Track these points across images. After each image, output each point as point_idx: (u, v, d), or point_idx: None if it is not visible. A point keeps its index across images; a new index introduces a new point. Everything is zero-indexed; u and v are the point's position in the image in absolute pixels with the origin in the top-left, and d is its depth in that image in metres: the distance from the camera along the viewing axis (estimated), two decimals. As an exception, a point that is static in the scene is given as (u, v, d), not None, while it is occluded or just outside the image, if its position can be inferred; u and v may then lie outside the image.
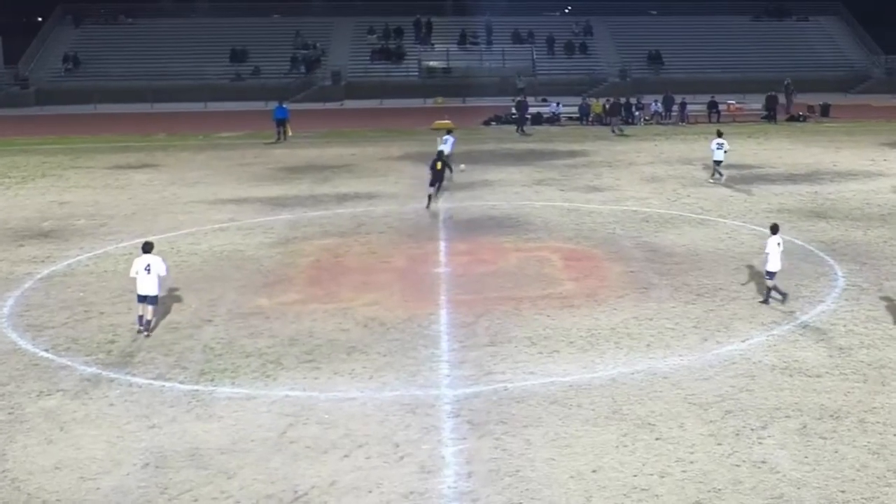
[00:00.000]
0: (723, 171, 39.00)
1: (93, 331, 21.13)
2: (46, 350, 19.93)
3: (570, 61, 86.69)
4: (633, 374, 18.16)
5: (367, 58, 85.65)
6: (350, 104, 76.76)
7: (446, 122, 60.14)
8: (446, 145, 39.18)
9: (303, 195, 37.39)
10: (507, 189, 38.26)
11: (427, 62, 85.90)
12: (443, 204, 35.06)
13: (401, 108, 73.85)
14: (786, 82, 70.91)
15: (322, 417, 16.32)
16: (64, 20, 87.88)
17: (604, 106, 63.82)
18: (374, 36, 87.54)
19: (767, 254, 22.40)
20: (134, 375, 18.42)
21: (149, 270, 20.76)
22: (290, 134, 54.65)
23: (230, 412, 16.62)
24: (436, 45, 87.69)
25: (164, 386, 17.86)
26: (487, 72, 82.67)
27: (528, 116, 60.74)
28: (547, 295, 23.33)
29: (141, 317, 20.87)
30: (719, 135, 39.93)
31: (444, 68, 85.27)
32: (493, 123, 62.41)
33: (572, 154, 47.96)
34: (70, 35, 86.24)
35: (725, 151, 39.06)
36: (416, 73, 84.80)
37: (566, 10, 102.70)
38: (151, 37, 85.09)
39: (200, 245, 29.12)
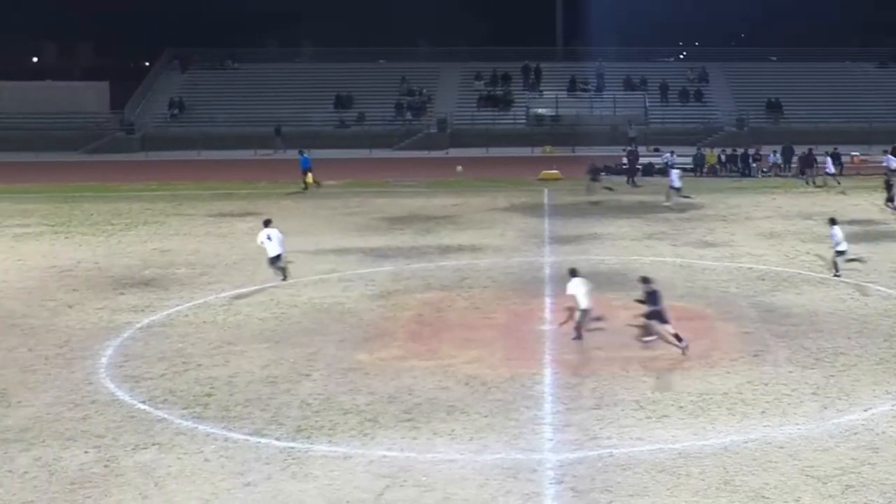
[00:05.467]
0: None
1: (190, 383, 21.52)
2: (143, 402, 20.35)
3: (684, 109, 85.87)
4: (746, 442, 17.84)
5: (474, 105, 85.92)
6: (455, 152, 76.67)
7: (554, 171, 60.27)
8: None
9: (405, 246, 37.64)
10: (615, 243, 38.06)
11: (535, 109, 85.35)
12: (549, 258, 35.02)
13: (507, 156, 73.81)
14: None
15: (420, 480, 16.33)
16: (171, 65, 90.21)
17: (719, 157, 63.33)
18: (482, 82, 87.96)
19: (573, 296, 24.60)
20: (230, 430, 18.68)
21: (270, 238, 30.38)
22: (311, 183, 54.66)
23: (326, 471, 16.72)
24: (544, 92, 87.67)
25: (259, 442, 18.07)
26: (598, 120, 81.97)
27: (640, 167, 60.41)
28: (657, 356, 23.12)
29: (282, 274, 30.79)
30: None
31: (552, 116, 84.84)
32: (603, 174, 61.91)
33: (685, 207, 47.51)
34: (176, 80, 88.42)
35: None
36: (524, 121, 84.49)
37: (681, 56, 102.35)
38: (256, 82, 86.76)
39: (300, 296, 29.46)
